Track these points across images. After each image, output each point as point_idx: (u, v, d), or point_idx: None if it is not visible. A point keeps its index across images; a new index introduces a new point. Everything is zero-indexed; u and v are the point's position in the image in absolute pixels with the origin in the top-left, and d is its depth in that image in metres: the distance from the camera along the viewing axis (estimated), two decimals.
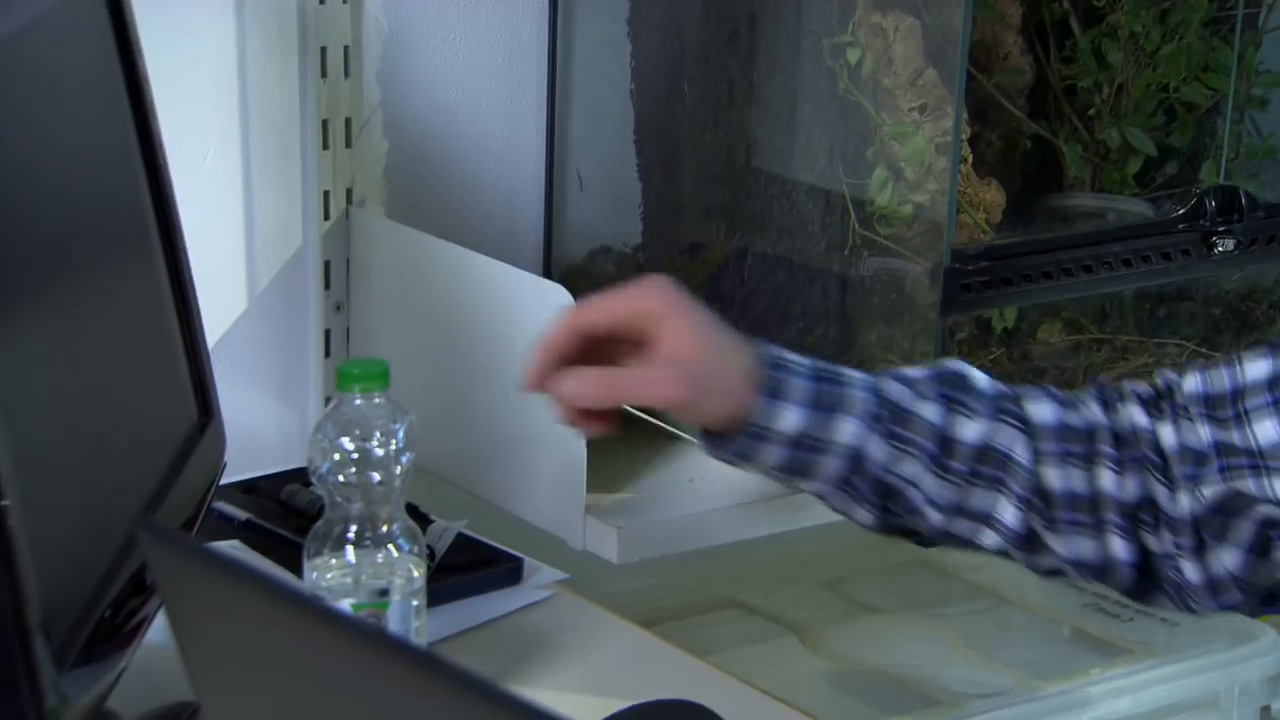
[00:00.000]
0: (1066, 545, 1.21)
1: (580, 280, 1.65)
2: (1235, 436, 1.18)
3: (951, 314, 1.49)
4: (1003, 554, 1.24)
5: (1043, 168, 1.62)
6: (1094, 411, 1.22)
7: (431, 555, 1.37)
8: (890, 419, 1.19)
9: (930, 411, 1.20)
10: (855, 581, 1.80)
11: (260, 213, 1.62)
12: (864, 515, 1.22)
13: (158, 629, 1.10)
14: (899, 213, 1.47)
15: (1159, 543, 1.21)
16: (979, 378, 1.23)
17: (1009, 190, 1.54)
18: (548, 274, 1.67)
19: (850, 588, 1.80)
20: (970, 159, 1.52)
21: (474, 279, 1.51)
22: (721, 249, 1.61)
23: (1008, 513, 1.21)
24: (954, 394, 1.21)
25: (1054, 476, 1.20)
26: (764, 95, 1.56)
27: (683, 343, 1.16)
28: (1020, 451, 1.20)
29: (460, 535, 1.44)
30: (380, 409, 1.20)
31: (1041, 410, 1.21)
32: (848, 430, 1.18)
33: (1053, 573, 1.26)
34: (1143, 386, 1.24)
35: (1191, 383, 1.20)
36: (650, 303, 1.18)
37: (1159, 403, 1.22)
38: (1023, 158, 1.61)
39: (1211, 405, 1.19)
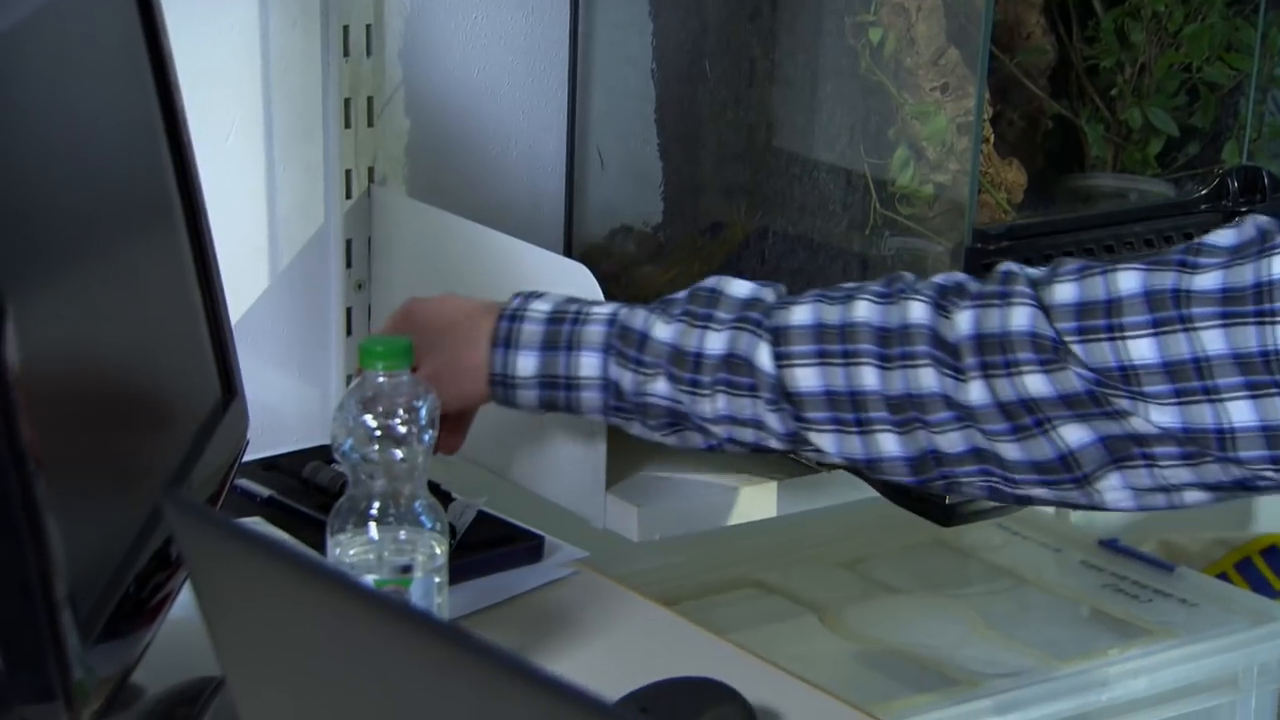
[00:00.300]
0: (833, 444, 1.22)
1: (601, 259, 1.65)
2: (1108, 352, 1.14)
3: None
4: (791, 453, 1.28)
5: (1064, 148, 1.62)
6: (860, 310, 1.22)
7: (453, 532, 1.38)
8: (627, 345, 1.25)
9: (665, 332, 1.25)
10: (873, 561, 1.80)
11: (282, 191, 1.62)
12: (668, 439, 1.28)
13: (182, 604, 1.10)
14: (920, 192, 1.47)
15: (947, 439, 1.19)
16: (735, 289, 1.26)
17: (1030, 170, 1.54)
18: (568, 252, 1.68)
19: (868, 567, 1.80)
20: (992, 139, 1.52)
21: (495, 257, 1.51)
22: (742, 228, 1.61)
23: (769, 416, 1.23)
24: (700, 309, 1.25)
25: (805, 377, 1.21)
26: (785, 74, 1.56)
27: (422, 351, 1.27)
28: (762, 356, 1.22)
29: (481, 513, 1.45)
30: (403, 386, 1.21)
31: (799, 313, 1.23)
32: (588, 363, 1.26)
33: (854, 473, 1.29)
34: (957, 276, 1.22)
35: (1065, 292, 1.16)
36: (388, 330, 1.33)
37: (964, 289, 1.20)
38: (1044, 138, 1.61)
39: (1084, 314, 1.15)
